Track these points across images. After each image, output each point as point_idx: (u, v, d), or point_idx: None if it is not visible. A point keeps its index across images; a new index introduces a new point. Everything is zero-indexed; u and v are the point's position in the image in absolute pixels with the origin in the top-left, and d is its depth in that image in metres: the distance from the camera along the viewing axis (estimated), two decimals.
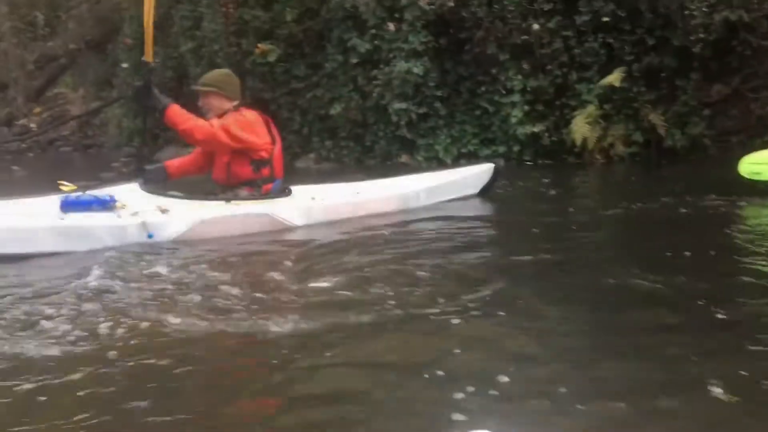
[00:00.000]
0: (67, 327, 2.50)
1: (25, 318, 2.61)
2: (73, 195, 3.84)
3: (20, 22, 12.97)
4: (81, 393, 1.99)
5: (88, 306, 2.74)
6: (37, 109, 16.68)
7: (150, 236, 3.79)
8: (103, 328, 2.50)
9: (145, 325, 2.52)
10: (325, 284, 3.03)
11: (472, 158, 8.59)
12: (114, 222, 3.79)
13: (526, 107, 8.11)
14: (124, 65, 12.87)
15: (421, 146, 8.75)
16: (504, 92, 8.28)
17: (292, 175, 7.30)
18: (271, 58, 9.39)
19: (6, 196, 4.03)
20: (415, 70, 8.34)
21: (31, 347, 2.31)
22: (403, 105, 8.52)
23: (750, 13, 7.22)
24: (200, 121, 4.19)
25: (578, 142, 7.73)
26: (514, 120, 8.13)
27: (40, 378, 2.07)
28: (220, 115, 4.30)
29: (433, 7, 8.49)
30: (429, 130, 8.75)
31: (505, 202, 5.64)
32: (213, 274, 3.22)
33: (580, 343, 2.37)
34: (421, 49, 8.47)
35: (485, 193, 5.50)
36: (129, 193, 4.01)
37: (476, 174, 5.49)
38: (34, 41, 13.32)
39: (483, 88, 8.59)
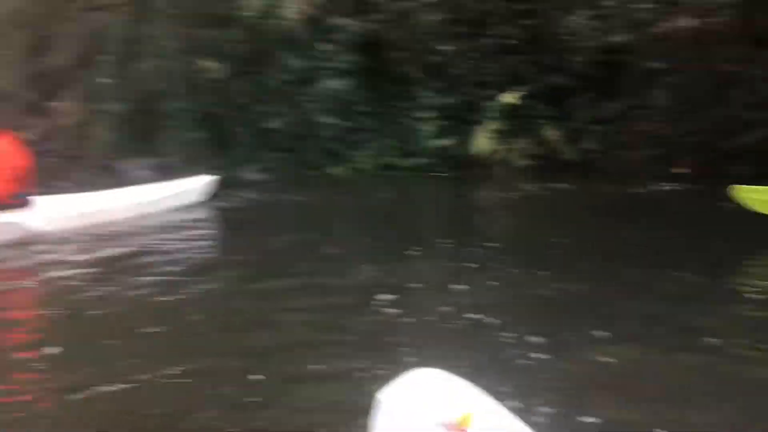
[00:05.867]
0: None
1: None
2: None
3: None
4: None
5: None
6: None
7: None
8: None
9: None
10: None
11: (393, 170, 9.22)
12: None
13: (439, 122, 8.77)
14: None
15: (346, 158, 9.42)
16: (420, 109, 8.95)
17: (239, 186, 8.15)
18: (217, 75, 10.14)
19: None
20: (339, 86, 9.02)
21: None
22: (329, 119, 9.20)
23: (636, 37, 7.83)
24: None
25: (480, 154, 8.35)
26: (426, 134, 8.79)
27: None
28: None
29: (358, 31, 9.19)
30: (355, 144, 9.41)
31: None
32: None
33: None
34: (345, 68, 9.15)
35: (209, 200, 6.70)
36: None
37: (201, 185, 6.72)
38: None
39: (404, 104, 9.24)
